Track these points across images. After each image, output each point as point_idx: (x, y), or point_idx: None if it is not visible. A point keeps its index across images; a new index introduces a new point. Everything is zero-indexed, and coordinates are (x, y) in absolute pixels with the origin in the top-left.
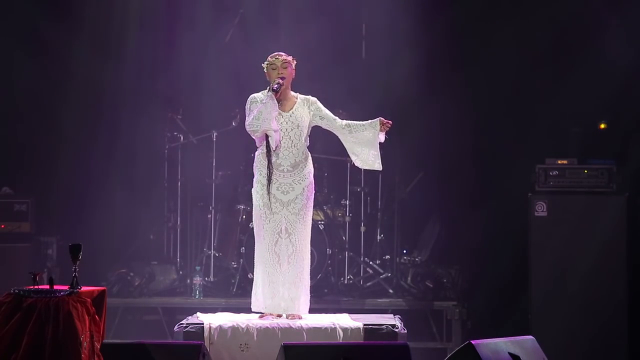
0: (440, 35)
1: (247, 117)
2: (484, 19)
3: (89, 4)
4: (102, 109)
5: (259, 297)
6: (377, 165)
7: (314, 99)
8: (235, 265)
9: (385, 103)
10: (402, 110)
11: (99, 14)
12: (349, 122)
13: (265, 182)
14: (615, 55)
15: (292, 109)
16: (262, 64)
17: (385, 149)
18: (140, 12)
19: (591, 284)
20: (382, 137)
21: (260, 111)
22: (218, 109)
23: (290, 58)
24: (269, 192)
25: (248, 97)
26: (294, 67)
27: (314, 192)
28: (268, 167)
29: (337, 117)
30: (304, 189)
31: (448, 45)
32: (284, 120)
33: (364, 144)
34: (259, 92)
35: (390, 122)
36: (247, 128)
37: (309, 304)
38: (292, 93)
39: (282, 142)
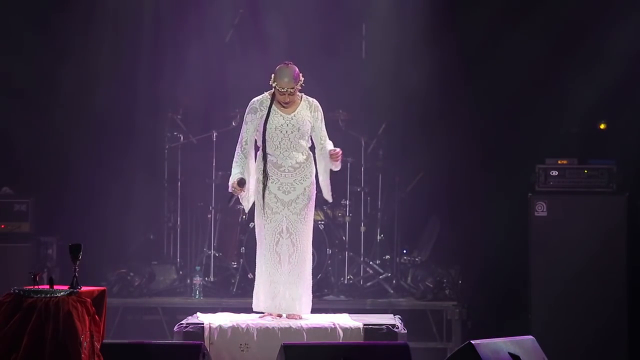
0: (441, 36)
1: (242, 129)
2: (486, 20)
3: (89, 3)
4: (102, 109)
5: (260, 297)
6: (328, 197)
7: (317, 104)
8: (235, 265)
9: (386, 103)
10: (402, 110)
11: (100, 14)
12: (326, 145)
13: (265, 181)
14: (616, 54)
15: (294, 111)
16: (270, 83)
17: (386, 148)
18: (141, 12)
19: (591, 284)
20: (334, 166)
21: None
22: (218, 109)
23: (297, 85)
24: (263, 198)
25: (248, 98)
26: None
27: (315, 192)
28: (264, 172)
29: (323, 137)
30: (305, 188)
31: (448, 45)
32: (285, 122)
33: (324, 171)
34: (260, 92)
35: (337, 150)
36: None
37: (310, 304)
38: (298, 94)
39: (282, 143)
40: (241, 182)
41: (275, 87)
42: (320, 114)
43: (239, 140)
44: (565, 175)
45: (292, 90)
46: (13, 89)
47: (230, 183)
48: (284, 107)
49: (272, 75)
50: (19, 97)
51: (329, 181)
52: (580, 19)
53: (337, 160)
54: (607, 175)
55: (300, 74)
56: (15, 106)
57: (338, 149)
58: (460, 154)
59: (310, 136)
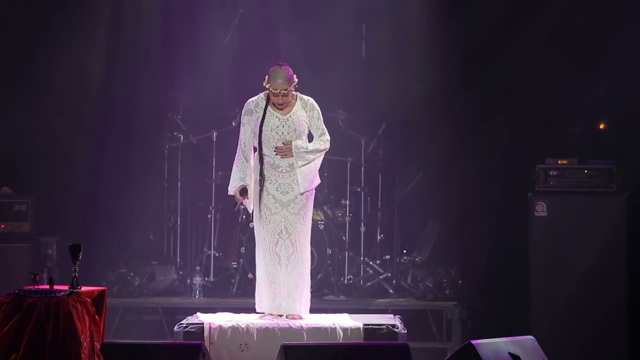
0: (441, 36)
1: (240, 131)
2: (486, 19)
3: (89, 3)
4: (102, 108)
5: (262, 299)
6: (301, 188)
7: (312, 102)
8: (235, 265)
9: (385, 103)
10: (402, 110)
11: (100, 15)
12: (316, 140)
13: (262, 182)
14: (616, 54)
15: (290, 112)
16: (264, 84)
17: (385, 148)
18: (140, 12)
19: (591, 284)
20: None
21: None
22: (218, 109)
23: (291, 87)
24: (260, 198)
25: (248, 97)
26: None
27: (314, 192)
28: (260, 173)
29: (319, 133)
30: None
31: (448, 45)
32: (281, 123)
33: (295, 163)
34: (258, 91)
35: (280, 148)
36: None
37: (309, 304)
38: (292, 93)
39: (278, 144)
40: (243, 191)
41: (269, 89)
42: (316, 112)
43: (239, 143)
44: (565, 175)
45: (285, 92)
46: (13, 89)
47: (231, 189)
48: (279, 108)
49: (266, 76)
50: (18, 96)
51: (301, 171)
52: (581, 20)
53: (281, 156)
54: (607, 175)
55: (294, 75)
56: (15, 106)
57: (282, 147)
58: (460, 153)
59: (309, 135)
